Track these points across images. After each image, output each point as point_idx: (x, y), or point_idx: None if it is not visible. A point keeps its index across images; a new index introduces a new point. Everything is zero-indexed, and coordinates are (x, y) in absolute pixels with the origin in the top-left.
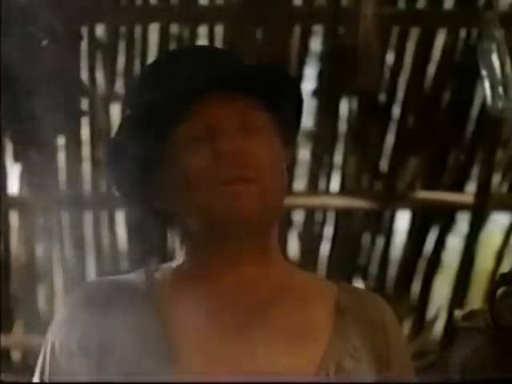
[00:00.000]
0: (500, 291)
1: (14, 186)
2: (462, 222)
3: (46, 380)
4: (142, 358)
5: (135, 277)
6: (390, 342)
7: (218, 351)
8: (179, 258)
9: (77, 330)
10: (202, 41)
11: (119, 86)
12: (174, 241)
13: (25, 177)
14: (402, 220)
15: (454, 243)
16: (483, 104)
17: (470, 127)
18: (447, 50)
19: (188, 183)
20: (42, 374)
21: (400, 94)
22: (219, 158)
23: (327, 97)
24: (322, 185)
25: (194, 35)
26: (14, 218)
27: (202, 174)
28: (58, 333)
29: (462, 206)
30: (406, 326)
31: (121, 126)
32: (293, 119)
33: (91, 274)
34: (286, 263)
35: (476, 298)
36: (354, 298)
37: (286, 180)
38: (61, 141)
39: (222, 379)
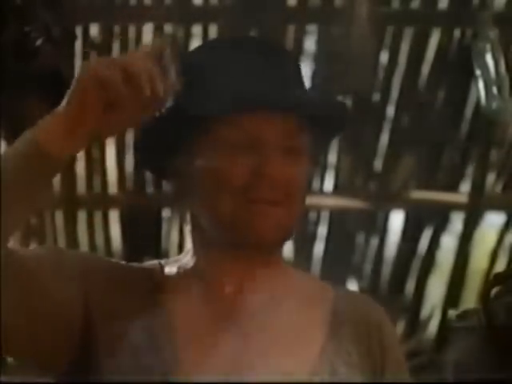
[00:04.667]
0: (494, 291)
1: None
2: (456, 221)
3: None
4: (145, 347)
5: (150, 266)
6: (385, 344)
7: (215, 352)
8: (187, 254)
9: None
10: (197, 41)
11: None
12: (169, 240)
13: None
14: (396, 220)
15: (448, 243)
16: (477, 104)
17: (464, 127)
18: (441, 50)
19: (217, 187)
20: None
21: (394, 93)
22: (254, 175)
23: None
24: (315, 184)
25: (188, 35)
26: None
27: (233, 184)
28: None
29: (456, 206)
30: (400, 326)
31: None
32: (327, 144)
33: None
34: (285, 264)
35: (470, 298)
36: (349, 301)
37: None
38: None
39: (218, 380)
